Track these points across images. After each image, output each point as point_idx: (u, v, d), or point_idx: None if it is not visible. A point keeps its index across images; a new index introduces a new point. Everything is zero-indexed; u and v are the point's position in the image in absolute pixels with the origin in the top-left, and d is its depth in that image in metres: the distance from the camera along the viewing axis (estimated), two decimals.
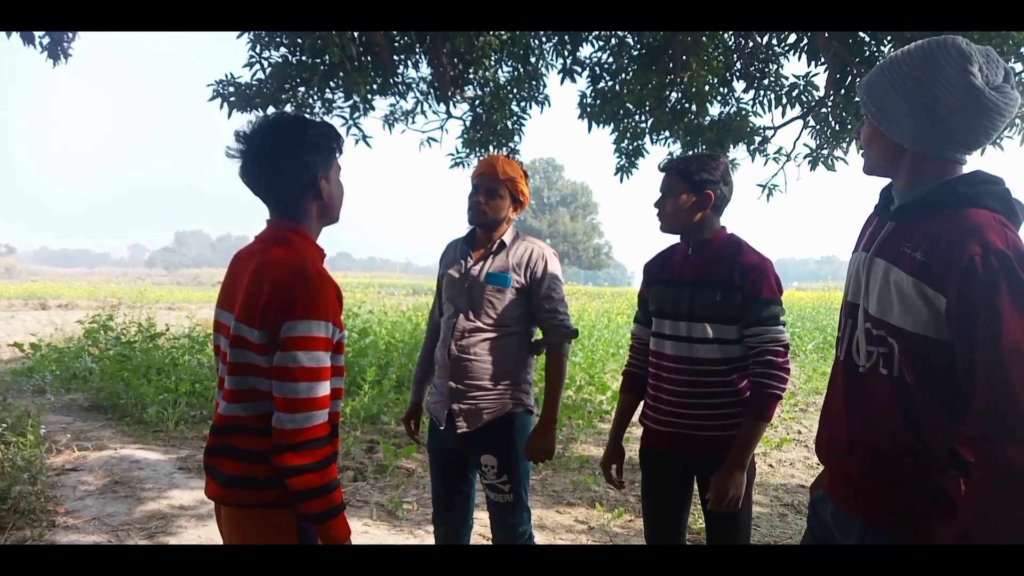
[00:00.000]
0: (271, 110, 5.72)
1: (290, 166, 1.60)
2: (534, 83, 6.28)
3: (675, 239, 2.38)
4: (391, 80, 6.06)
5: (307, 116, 1.68)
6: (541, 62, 6.20)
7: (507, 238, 2.49)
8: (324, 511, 1.53)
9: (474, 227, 2.56)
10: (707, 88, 5.55)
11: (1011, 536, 1.13)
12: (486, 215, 2.46)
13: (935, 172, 1.34)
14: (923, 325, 1.27)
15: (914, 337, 1.28)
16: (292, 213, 1.66)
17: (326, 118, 5.84)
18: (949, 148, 1.32)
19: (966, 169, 1.35)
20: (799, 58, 5.37)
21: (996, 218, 1.25)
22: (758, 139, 5.89)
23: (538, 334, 2.57)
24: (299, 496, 1.51)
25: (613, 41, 5.82)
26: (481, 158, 2.39)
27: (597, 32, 5.77)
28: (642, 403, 2.42)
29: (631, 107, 5.82)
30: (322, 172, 1.65)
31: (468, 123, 6.47)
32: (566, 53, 5.91)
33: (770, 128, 5.96)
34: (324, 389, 1.53)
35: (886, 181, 1.48)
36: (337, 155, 1.70)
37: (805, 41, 5.24)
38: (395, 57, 5.89)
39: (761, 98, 5.75)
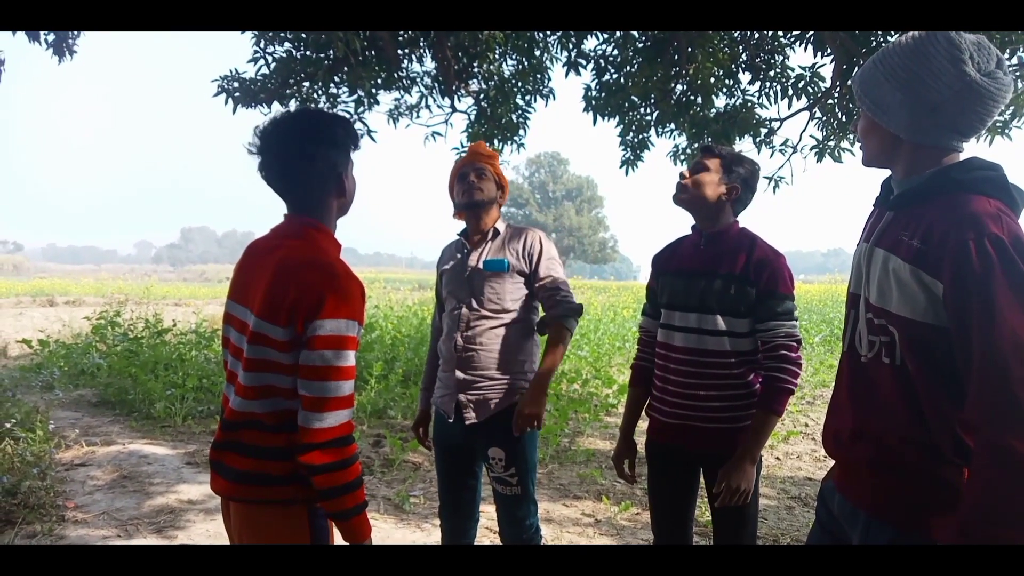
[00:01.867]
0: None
1: (319, 164, 1.61)
2: (539, 76, 6.26)
3: (683, 230, 2.38)
4: (395, 75, 6.05)
5: (332, 112, 1.68)
6: (546, 55, 6.18)
7: (500, 227, 2.54)
8: (349, 508, 1.54)
9: (465, 225, 2.60)
10: (712, 80, 5.52)
11: (1014, 523, 1.12)
12: (482, 192, 2.50)
13: (932, 160, 1.35)
14: (922, 312, 1.27)
15: (914, 324, 1.28)
16: (314, 209, 1.66)
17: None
18: (945, 136, 1.32)
19: (965, 157, 1.36)
20: (805, 49, 5.33)
21: (992, 203, 1.25)
22: (764, 131, 5.86)
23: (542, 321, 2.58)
24: (324, 494, 1.52)
25: (618, 34, 5.79)
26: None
27: None
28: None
29: (636, 100, 5.80)
30: (344, 170, 1.67)
31: (473, 117, 6.46)
32: (571, 46, 5.89)
33: (776, 120, 5.93)
34: (350, 387, 1.54)
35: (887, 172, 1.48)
36: (354, 152, 1.71)
37: (811, 32, 5.20)
38: (399, 52, 5.88)
39: (767, 90, 5.72)
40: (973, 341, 1.17)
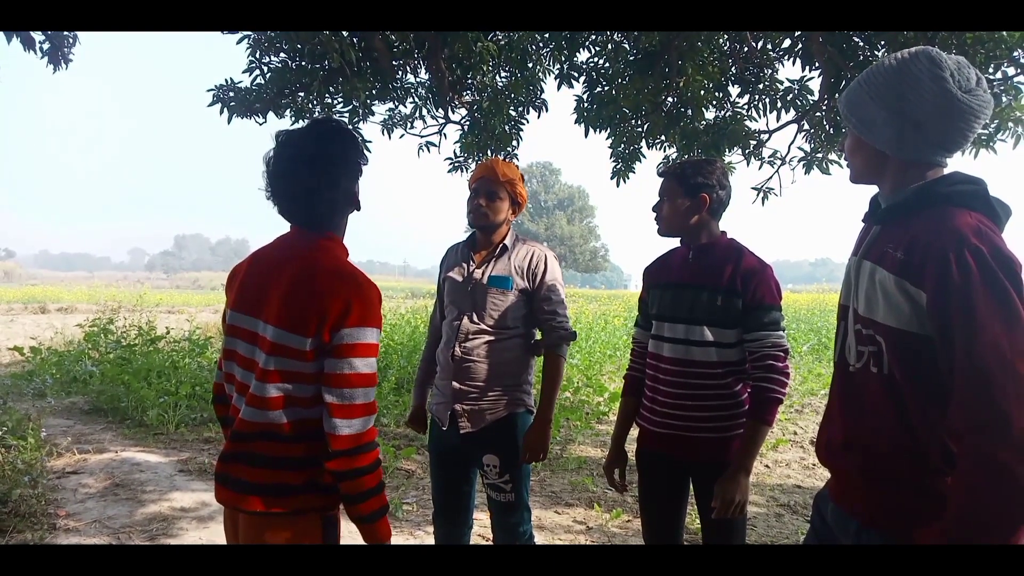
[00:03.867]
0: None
1: (340, 198, 1.66)
2: (532, 88, 6.30)
3: (674, 243, 2.42)
4: (390, 85, 6.09)
5: (346, 126, 1.71)
6: (538, 67, 6.23)
7: (508, 241, 2.55)
8: (375, 511, 1.57)
9: (474, 231, 2.61)
10: (703, 93, 5.59)
11: (996, 529, 1.14)
12: (487, 217, 2.51)
13: (917, 176, 1.40)
14: (907, 321, 1.30)
15: (900, 333, 1.32)
16: (329, 224, 1.68)
17: None
18: (928, 151, 1.37)
19: (948, 171, 1.40)
20: (794, 63, 5.41)
21: (973, 216, 1.29)
22: (753, 143, 5.93)
23: (538, 335, 2.61)
24: (353, 499, 1.55)
25: (609, 46, 5.86)
26: (479, 162, 2.45)
27: (594, 37, 5.80)
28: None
29: (627, 112, 5.85)
30: (358, 188, 1.72)
31: (466, 128, 6.50)
32: (563, 58, 5.94)
33: (765, 132, 6.00)
34: (373, 394, 1.58)
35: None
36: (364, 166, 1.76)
37: (800, 46, 5.28)
38: (394, 63, 5.92)
39: (756, 102, 5.79)
40: (956, 350, 1.21)
